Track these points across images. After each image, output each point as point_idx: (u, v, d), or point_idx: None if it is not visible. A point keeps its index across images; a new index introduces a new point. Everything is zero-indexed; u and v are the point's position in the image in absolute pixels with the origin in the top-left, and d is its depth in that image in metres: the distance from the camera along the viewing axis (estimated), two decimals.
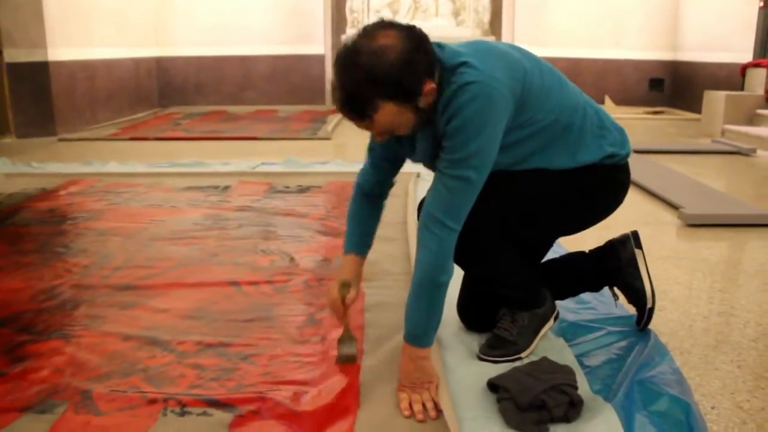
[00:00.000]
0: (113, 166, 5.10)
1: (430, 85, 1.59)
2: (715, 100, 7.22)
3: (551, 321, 2.02)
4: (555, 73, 1.84)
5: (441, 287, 1.68)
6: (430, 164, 1.76)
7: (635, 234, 2.11)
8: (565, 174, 1.82)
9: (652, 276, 2.08)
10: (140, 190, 4.32)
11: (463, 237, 1.69)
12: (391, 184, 2.03)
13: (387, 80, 1.52)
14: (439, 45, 1.68)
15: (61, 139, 6.87)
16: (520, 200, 1.84)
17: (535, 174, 1.82)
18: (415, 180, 4.32)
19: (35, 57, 6.92)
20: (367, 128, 1.64)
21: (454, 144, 1.62)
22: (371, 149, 1.94)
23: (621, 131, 1.93)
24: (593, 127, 1.84)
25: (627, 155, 1.92)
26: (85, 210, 3.81)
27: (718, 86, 8.20)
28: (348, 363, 1.89)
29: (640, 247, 2.08)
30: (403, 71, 1.53)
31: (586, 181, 1.85)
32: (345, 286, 1.91)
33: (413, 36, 1.57)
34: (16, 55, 6.88)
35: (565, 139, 1.80)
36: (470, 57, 1.64)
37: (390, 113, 1.57)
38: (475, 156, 1.61)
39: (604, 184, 1.90)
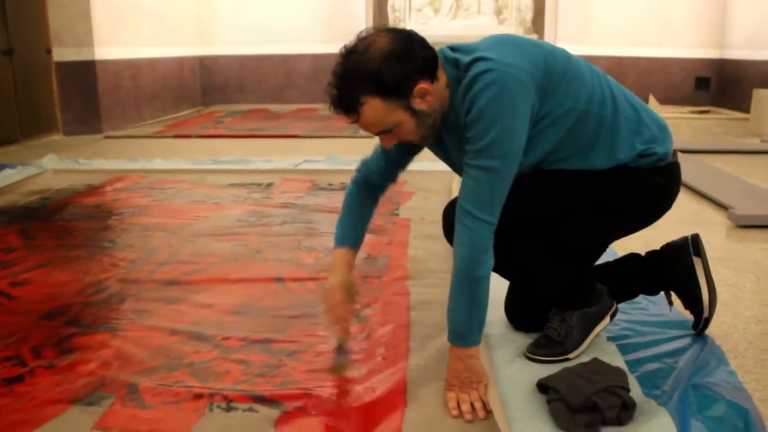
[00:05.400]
0: (158, 163, 5.17)
1: (422, 86, 1.60)
2: (765, 98, 7.02)
3: (606, 319, 1.94)
4: (586, 62, 1.77)
5: (480, 281, 1.63)
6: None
7: (695, 239, 2.01)
8: (594, 176, 1.74)
9: (714, 282, 1.99)
10: (184, 186, 4.36)
11: (494, 244, 1.64)
12: (393, 177, 2.01)
13: (369, 75, 1.56)
14: (453, 48, 1.69)
15: (106, 137, 6.99)
16: (544, 203, 1.76)
17: (562, 175, 1.75)
18: (458, 180, 4.27)
19: (82, 56, 7.06)
20: (357, 124, 1.64)
21: (474, 134, 1.60)
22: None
23: (663, 128, 1.81)
24: (628, 121, 1.74)
25: (665, 155, 1.78)
26: (131, 206, 3.85)
27: (766, 85, 7.99)
28: (339, 374, 1.83)
29: (699, 254, 1.99)
30: (384, 66, 1.55)
31: (615, 185, 1.75)
32: (348, 289, 1.86)
33: (402, 37, 1.61)
34: (64, 54, 7.03)
35: (597, 134, 1.71)
36: (484, 50, 1.63)
37: (375, 109, 1.59)
38: (497, 144, 1.58)
39: (638, 188, 1.77)
